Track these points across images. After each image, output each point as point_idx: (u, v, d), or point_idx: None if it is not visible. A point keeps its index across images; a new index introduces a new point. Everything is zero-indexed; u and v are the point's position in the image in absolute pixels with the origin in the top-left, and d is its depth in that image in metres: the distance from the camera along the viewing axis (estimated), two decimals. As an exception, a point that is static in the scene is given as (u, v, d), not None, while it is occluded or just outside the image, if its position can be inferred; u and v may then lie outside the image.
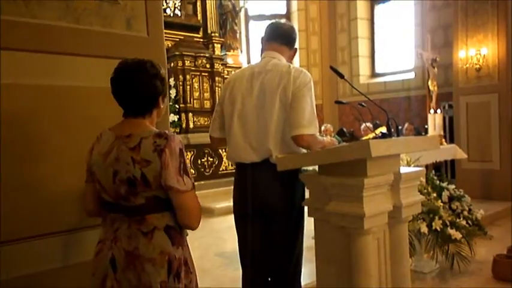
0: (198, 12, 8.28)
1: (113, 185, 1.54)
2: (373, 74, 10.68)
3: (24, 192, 1.92)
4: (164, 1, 7.66)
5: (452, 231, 3.57)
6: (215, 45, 8.08)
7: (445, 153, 6.23)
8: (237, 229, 2.34)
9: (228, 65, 8.15)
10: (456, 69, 7.13)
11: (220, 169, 7.63)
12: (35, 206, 1.95)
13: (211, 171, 7.49)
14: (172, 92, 7.26)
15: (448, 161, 7.12)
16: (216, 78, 7.75)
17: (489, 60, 6.73)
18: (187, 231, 1.66)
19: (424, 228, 3.50)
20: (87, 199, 1.70)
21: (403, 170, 2.09)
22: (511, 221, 5.42)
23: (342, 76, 2.38)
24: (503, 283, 3.50)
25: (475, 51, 6.81)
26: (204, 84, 7.74)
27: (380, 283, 2.02)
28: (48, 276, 1.96)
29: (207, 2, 8.26)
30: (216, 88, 7.69)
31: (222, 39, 8.36)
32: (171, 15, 7.87)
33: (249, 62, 9.64)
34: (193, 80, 7.59)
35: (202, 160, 7.42)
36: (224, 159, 7.61)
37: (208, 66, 7.74)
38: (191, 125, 7.46)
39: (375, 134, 4.64)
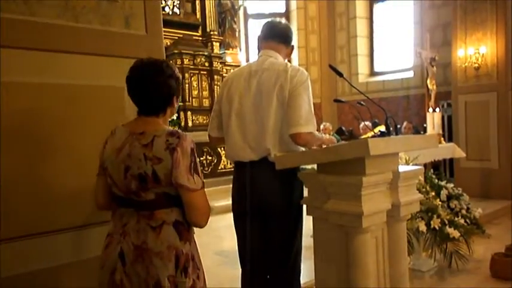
0: (197, 11, 8.28)
1: (124, 180, 1.57)
2: (372, 73, 10.67)
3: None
4: (163, -1, 7.66)
5: (450, 230, 3.58)
6: (214, 43, 8.08)
7: (443, 152, 6.22)
8: (236, 228, 2.34)
9: (226, 63, 8.15)
10: (455, 68, 7.13)
11: (219, 167, 7.63)
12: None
13: (210, 170, 7.49)
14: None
15: (447, 159, 7.13)
16: (215, 77, 7.75)
17: (488, 59, 6.73)
18: (194, 229, 1.68)
19: (423, 227, 3.51)
20: (98, 192, 1.72)
21: (402, 168, 2.09)
22: (509, 220, 5.44)
23: (340, 75, 2.38)
24: (501, 281, 3.50)
25: (474, 50, 6.81)
26: (203, 82, 7.73)
27: (378, 281, 2.03)
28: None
29: (205, 0, 8.24)
30: (215, 86, 7.68)
31: (221, 38, 8.36)
32: (170, 13, 7.86)
33: (247, 60, 9.63)
34: (192, 79, 7.59)
35: (201, 158, 7.41)
36: (223, 157, 7.61)
37: (207, 64, 7.73)
38: (190, 124, 7.46)
39: (374, 132, 4.65)
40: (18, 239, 1.90)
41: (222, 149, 7.37)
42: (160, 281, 1.52)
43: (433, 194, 3.77)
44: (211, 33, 8.12)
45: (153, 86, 1.59)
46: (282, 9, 11.16)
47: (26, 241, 1.93)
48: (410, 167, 2.29)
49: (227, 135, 2.27)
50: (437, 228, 3.55)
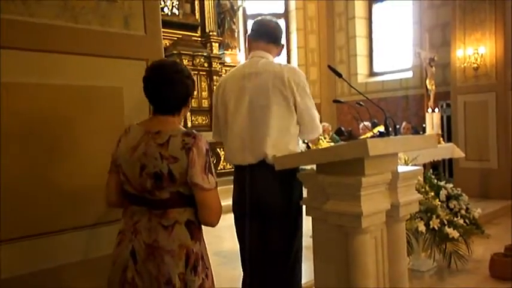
0: (196, 11, 8.27)
1: (139, 178, 1.59)
2: (371, 73, 10.67)
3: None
4: (162, 0, 7.64)
5: (449, 230, 3.58)
6: (213, 44, 8.07)
7: (442, 152, 6.23)
8: (236, 228, 2.34)
9: (226, 63, 8.13)
10: (454, 68, 7.13)
11: (219, 168, 7.61)
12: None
13: (209, 170, 7.47)
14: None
15: (446, 160, 7.13)
16: (214, 77, 7.73)
17: (487, 59, 6.73)
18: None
19: (422, 227, 3.51)
20: (109, 189, 1.73)
21: (401, 168, 2.09)
22: (508, 220, 5.44)
23: (339, 75, 2.38)
24: (500, 282, 3.50)
25: (473, 50, 6.81)
26: (202, 83, 7.73)
27: (378, 282, 2.03)
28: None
29: (205, 1, 8.24)
30: (214, 87, 7.66)
31: (220, 38, 8.35)
32: (169, 14, 7.85)
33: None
34: (191, 79, 7.58)
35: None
36: (222, 158, 7.60)
37: (206, 65, 7.72)
38: (189, 124, 7.45)
39: (373, 133, 4.65)
40: (20, 239, 1.91)
41: (221, 149, 7.36)
42: (171, 278, 1.54)
43: (432, 194, 3.77)
44: (211, 33, 8.12)
45: (172, 86, 1.62)
46: (281, 10, 11.15)
47: (26, 242, 1.93)
48: (410, 167, 2.29)
49: (225, 139, 2.28)
50: (436, 228, 3.55)
